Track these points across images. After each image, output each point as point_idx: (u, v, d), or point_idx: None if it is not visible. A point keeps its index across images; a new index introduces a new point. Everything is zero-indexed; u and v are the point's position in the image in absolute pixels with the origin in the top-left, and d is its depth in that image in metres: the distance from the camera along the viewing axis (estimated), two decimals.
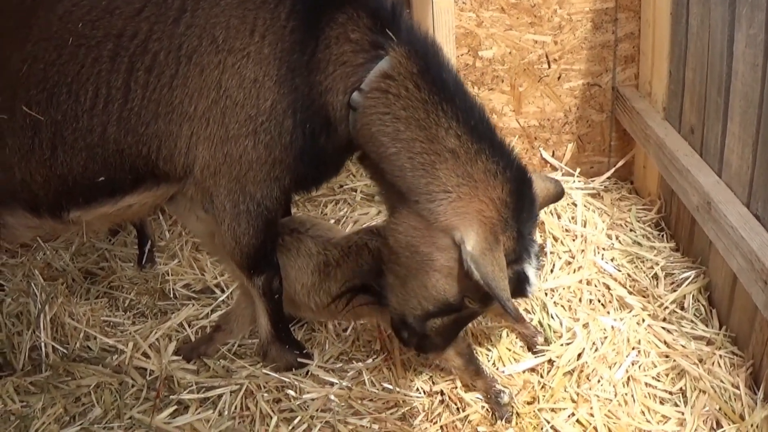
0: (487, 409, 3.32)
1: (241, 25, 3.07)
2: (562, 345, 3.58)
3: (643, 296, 3.86)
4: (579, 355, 3.51)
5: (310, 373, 3.55)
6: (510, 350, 3.62)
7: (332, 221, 4.60)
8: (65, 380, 3.59)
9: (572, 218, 4.37)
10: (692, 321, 3.70)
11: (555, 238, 4.25)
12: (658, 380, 3.41)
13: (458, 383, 3.44)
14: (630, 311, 3.75)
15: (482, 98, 4.66)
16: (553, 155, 4.94)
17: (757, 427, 3.10)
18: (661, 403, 3.32)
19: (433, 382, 3.48)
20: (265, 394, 3.41)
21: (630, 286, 3.93)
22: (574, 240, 4.23)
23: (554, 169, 4.93)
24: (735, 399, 3.26)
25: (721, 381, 3.32)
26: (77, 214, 3.31)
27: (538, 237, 3.20)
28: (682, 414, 3.24)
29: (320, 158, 3.26)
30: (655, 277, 4.01)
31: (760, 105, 3.23)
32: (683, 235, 4.21)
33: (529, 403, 3.35)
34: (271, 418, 3.27)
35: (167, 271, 4.37)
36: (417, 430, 3.26)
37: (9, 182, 3.20)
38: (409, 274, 3.11)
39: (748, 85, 3.32)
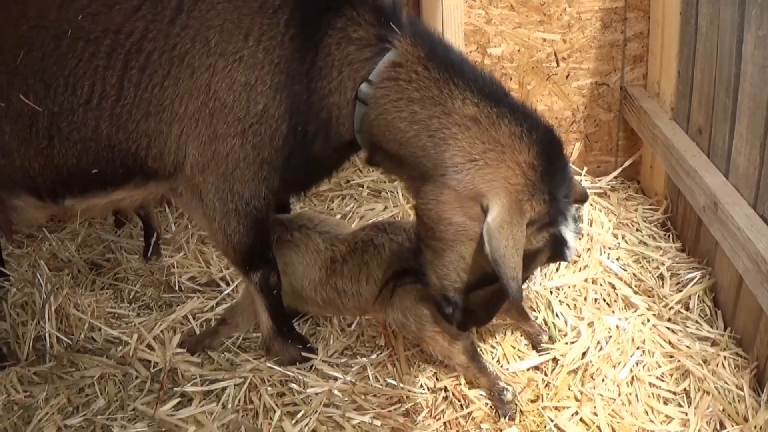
0: (491, 407, 3.32)
1: (235, 30, 3.08)
2: (566, 343, 3.58)
3: (649, 296, 3.86)
4: (583, 354, 3.50)
5: (314, 368, 3.55)
6: (514, 348, 3.62)
7: (338, 216, 4.61)
8: (69, 371, 3.59)
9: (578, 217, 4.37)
10: (697, 322, 3.69)
11: None
12: (662, 380, 3.40)
13: (462, 380, 3.44)
14: (635, 311, 3.74)
15: None
16: None
17: (760, 428, 3.09)
18: (665, 403, 3.32)
19: (437, 379, 3.48)
20: (269, 388, 3.41)
21: (635, 286, 3.93)
22: (580, 239, 4.22)
23: None
24: (739, 400, 3.25)
25: (725, 382, 3.31)
26: (72, 202, 3.35)
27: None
28: (686, 414, 3.24)
29: (312, 163, 3.27)
30: (661, 277, 4.01)
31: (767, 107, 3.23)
32: (689, 236, 4.20)
33: (532, 401, 3.35)
34: (275, 411, 3.27)
35: (173, 263, 4.38)
36: (420, 427, 3.26)
37: (10, 167, 3.22)
38: (446, 248, 3.08)
39: (756, 86, 3.32)
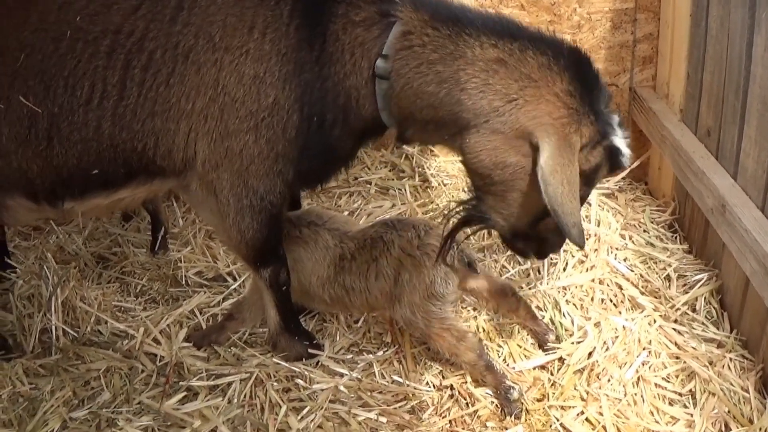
0: (497, 405, 3.33)
1: (238, 23, 3.08)
2: (573, 343, 3.58)
3: (655, 297, 3.86)
4: (590, 354, 3.51)
5: (320, 364, 3.56)
6: (521, 347, 3.62)
7: (346, 213, 4.60)
8: (75, 364, 3.61)
9: (586, 217, 4.36)
10: (703, 323, 3.69)
11: None
12: (668, 381, 3.40)
13: (468, 378, 3.45)
14: (642, 312, 3.74)
15: None
16: None
17: (765, 431, 3.09)
18: (671, 404, 3.32)
19: (443, 377, 3.48)
20: (275, 383, 3.41)
21: (642, 287, 3.92)
22: (587, 239, 4.22)
23: None
24: (744, 402, 3.26)
25: (731, 384, 3.32)
26: (71, 204, 3.33)
27: None
28: (691, 416, 3.24)
29: (330, 152, 3.27)
30: (668, 278, 4.00)
31: None
32: (697, 238, 4.20)
33: (538, 400, 3.36)
34: (280, 407, 3.28)
35: (180, 257, 4.37)
36: (426, 424, 3.27)
37: (7, 168, 3.20)
38: (507, 189, 3.09)
39: (765, 88, 3.31)
